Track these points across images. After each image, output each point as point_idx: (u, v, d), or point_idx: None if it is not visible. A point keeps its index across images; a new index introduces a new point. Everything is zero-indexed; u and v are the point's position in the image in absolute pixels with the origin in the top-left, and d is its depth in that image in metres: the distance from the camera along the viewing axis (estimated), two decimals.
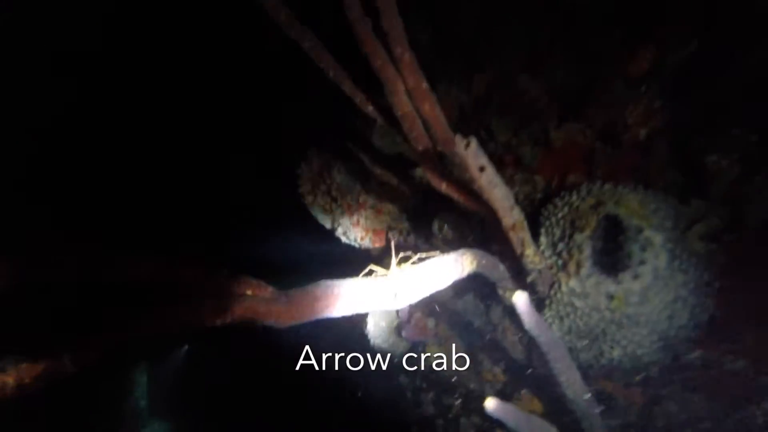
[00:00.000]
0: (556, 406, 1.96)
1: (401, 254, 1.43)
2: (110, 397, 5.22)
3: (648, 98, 1.59)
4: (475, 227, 2.03)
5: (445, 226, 2.12)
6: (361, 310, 1.30)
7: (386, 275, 1.35)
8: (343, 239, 2.80)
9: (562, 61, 1.77)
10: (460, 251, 1.48)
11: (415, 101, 1.39)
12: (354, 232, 2.63)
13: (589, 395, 1.48)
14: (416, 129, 1.42)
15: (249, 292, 1.20)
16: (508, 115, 1.99)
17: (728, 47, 1.47)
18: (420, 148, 1.45)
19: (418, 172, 2.35)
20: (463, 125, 2.23)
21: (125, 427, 5.31)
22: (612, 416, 1.79)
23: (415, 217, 2.59)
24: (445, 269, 1.41)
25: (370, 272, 1.41)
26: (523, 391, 2.07)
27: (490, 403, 1.24)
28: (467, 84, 2.13)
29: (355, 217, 2.56)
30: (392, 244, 1.47)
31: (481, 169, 1.11)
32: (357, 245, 2.75)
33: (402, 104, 1.39)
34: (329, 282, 1.27)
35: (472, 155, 1.05)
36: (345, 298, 1.25)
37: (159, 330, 1.05)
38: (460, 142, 1.02)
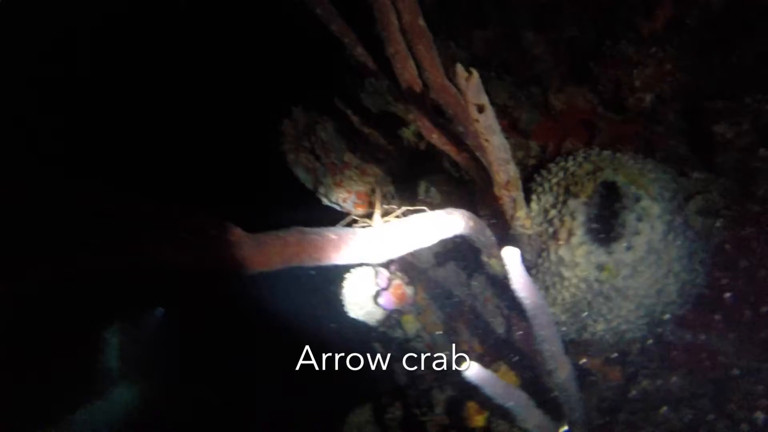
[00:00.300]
0: (532, 381, 1.92)
1: (385, 206, 1.32)
2: (80, 357, 5.11)
3: (658, 60, 1.49)
4: (463, 191, 1.94)
5: (432, 188, 2.02)
6: (336, 262, 1.20)
7: (369, 226, 1.25)
8: (324, 200, 2.68)
9: (571, 15, 1.65)
10: (448, 210, 1.37)
11: (409, 39, 1.26)
12: (336, 193, 2.51)
13: (569, 368, 1.42)
14: (408, 70, 1.30)
15: (213, 233, 1.08)
16: (507, 76, 1.87)
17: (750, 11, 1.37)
18: (411, 93, 1.33)
19: (406, 132, 2.24)
20: None
21: (94, 386, 5.22)
22: (589, 392, 1.74)
23: (400, 180, 2.48)
24: (431, 225, 1.31)
25: (351, 223, 1.30)
26: (501, 364, 2.01)
27: (472, 368, 1.16)
28: (467, 40, 2.00)
29: (338, 177, 2.44)
30: (377, 192, 1.35)
31: (480, 109, 0.99)
32: (339, 207, 2.63)
33: (394, 41, 1.26)
34: (304, 228, 1.16)
35: (472, 90, 0.94)
36: (319, 246, 1.14)
37: (105, 265, 0.93)
38: (461, 73, 0.90)
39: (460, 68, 0.92)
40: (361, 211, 2.61)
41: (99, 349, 5.28)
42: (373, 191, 2.51)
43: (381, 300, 2.48)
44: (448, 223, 1.42)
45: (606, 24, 1.64)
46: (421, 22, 1.25)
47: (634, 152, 1.61)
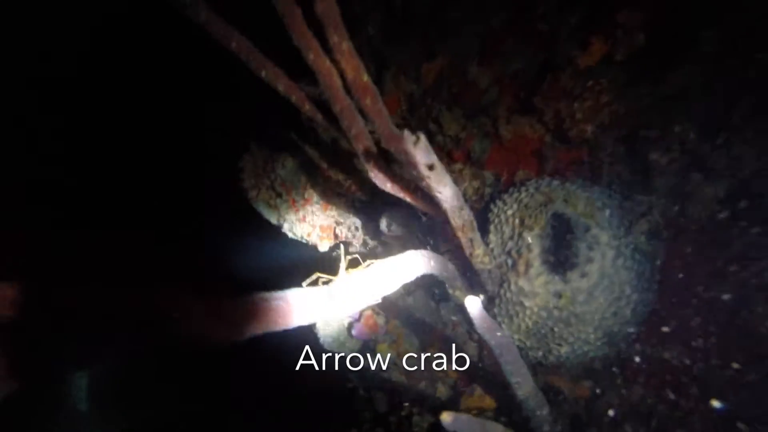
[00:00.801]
0: (507, 402, 1.96)
1: (349, 257, 1.34)
2: (45, 401, 4.85)
3: (596, 92, 1.57)
4: (424, 225, 1.98)
5: (393, 224, 2.05)
6: (303, 323, 1.21)
7: (332, 281, 1.26)
8: (290, 235, 2.68)
9: (514, 50, 1.72)
10: (409, 253, 1.41)
11: (355, 95, 1.28)
12: (300, 228, 2.52)
13: (539, 396, 1.47)
14: (356, 126, 1.32)
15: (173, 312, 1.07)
16: (457, 107, 1.93)
17: (676, 41, 1.47)
18: (361, 146, 1.35)
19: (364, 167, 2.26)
20: (411, 116, 2.15)
21: (61, 430, 4.97)
22: (560, 410, 1.80)
23: (362, 213, 2.51)
24: (394, 273, 1.34)
25: (316, 280, 1.32)
26: (476, 387, 2.06)
27: (447, 418, 1.19)
28: (417, 73, 2.05)
29: (300, 213, 2.44)
30: (341, 249, 1.37)
31: (430, 167, 1.03)
32: (304, 241, 2.63)
33: (339, 99, 1.28)
34: (265, 294, 1.16)
35: (421, 152, 0.97)
36: (284, 311, 1.14)
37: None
38: (408, 138, 0.94)
39: (407, 134, 0.95)
40: (326, 244, 2.62)
41: (65, 393, 5.04)
42: (337, 224, 2.53)
43: (354, 331, 2.50)
44: (410, 267, 1.45)
45: (546, 58, 1.72)
46: (366, 78, 1.28)
47: (581, 179, 1.69)
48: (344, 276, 1.32)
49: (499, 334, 1.28)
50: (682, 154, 1.51)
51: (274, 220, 2.69)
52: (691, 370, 1.68)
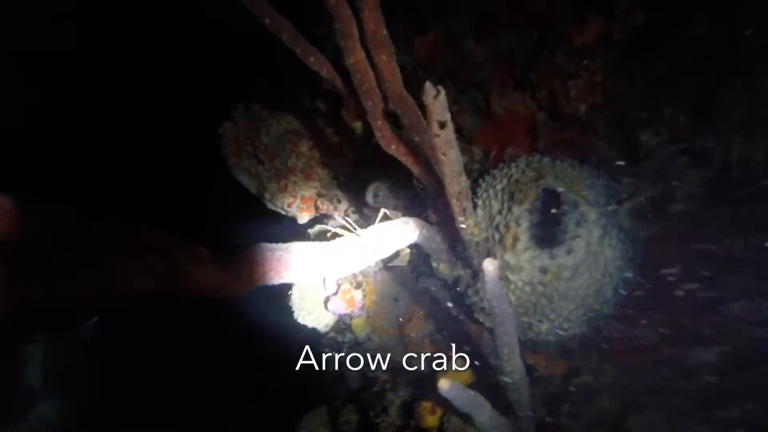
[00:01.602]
0: (483, 376, 1.98)
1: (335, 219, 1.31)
2: None
3: (590, 72, 1.58)
4: (410, 196, 1.95)
5: (380, 194, 2.02)
6: (304, 278, 1.18)
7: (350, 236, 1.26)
8: (269, 205, 2.61)
9: (509, 25, 1.70)
10: (404, 219, 1.39)
11: (371, 49, 1.25)
12: (281, 198, 2.45)
13: (523, 371, 1.48)
14: (369, 81, 1.28)
15: (179, 256, 1.00)
16: (450, 81, 1.90)
17: (671, 22, 1.48)
18: (370, 103, 1.32)
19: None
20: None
21: (12, 406, 4.75)
22: (534, 387, 1.83)
23: (346, 185, 2.46)
24: (392, 236, 1.33)
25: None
26: (453, 365, 2.06)
27: (444, 384, 1.20)
28: (410, 45, 2.01)
29: (282, 182, 2.38)
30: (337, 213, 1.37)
31: (442, 125, 1.01)
32: (284, 212, 2.57)
33: (355, 52, 1.24)
34: (268, 245, 1.11)
35: (439, 107, 0.95)
36: (287, 263, 1.10)
37: (68, 294, 0.84)
38: (429, 90, 0.91)
39: (428, 85, 0.93)
40: (306, 215, 2.57)
41: (18, 366, 4.82)
42: (319, 195, 2.48)
43: (330, 305, 2.46)
44: (406, 233, 1.44)
45: (541, 35, 1.70)
46: (385, 32, 1.24)
47: (571, 158, 1.70)
48: (362, 231, 1.32)
49: (504, 303, 1.28)
50: (670, 137, 1.54)
51: (254, 190, 2.61)
52: (662, 350, 1.73)
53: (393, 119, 1.40)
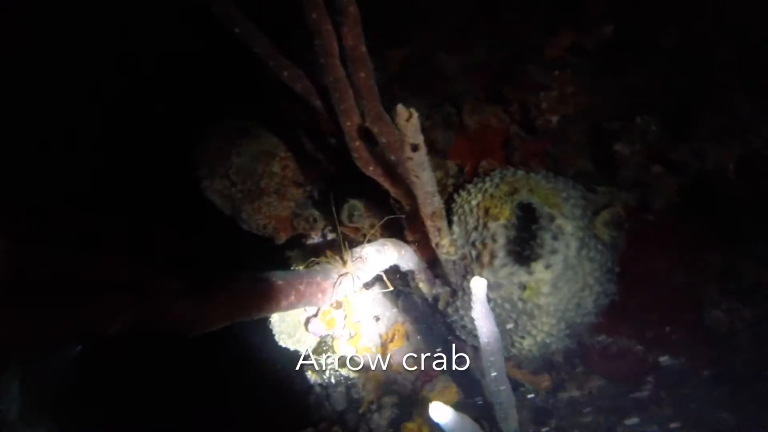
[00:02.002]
0: (469, 394, 1.94)
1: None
2: None
3: (562, 83, 1.57)
4: (385, 214, 1.91)
5: (355, 213, 1.97)
6: (285, 310, 1.13)
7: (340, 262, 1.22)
8: (245, 227, 2.54)
9: (482, 38, 1.68)
10: (383, 241, 1.36)
11: (350, 66, 1.21)
12: (256, 220, 2.39)
13: (509, 389, 1.45)
14: (347, 100, 1.25)
15: (154, 288, 0.92)
16: (422, 96, 1.88)
17: (640, 35, 1.48)
18: (348, 123, 1.28)
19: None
20: None
21: None
22: (522, 402, 1.79)
23: (321, 204, 2.42)
24: (375, 262, 1.30)
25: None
26: (437, 382, 2.02)
27: (435, 409, 1.16)
28: (381, 60, 1.98)
29: (256, 203, 2.32)
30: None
31: (415, 147, 0.98)
32: (260, 233, 2.51)
33: (334, 68, 1.20)
34: (245, 275, 1.05)
35: (411, 130, 0.92)
36: (268, 295, 1.04)
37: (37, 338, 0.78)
38: (402, 112, 0.88)
39: (401, 108, 0.90)
40: (283, 236, 2.51)
41: None
42: (294, 215, 2.42)
43: (311, 327, 2.40)
44: (388, 255, 1.41)
45: (514, 48, 1.69)
46: (364, 49, 1.21)
47: (545, 170, 1.68)
48: (352, 257, 1.29)
49: (491, 322, 1.24)
50: (644, 147, 1.53)
51: (228, 211, 2.55)
52: (648, 359, 1.71)
53: (368, 136, 1.37)
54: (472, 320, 1.66)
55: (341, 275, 1.21)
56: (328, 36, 1.16)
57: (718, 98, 1.41)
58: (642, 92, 1.53)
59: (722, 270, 1.60)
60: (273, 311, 1.07)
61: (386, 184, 1.39)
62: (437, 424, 1.33)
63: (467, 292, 1.62)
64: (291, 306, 1.08)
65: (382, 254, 1.33)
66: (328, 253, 1.29)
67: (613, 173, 1.59)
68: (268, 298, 1.01)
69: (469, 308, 1.62)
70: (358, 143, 1.33)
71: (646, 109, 1.53)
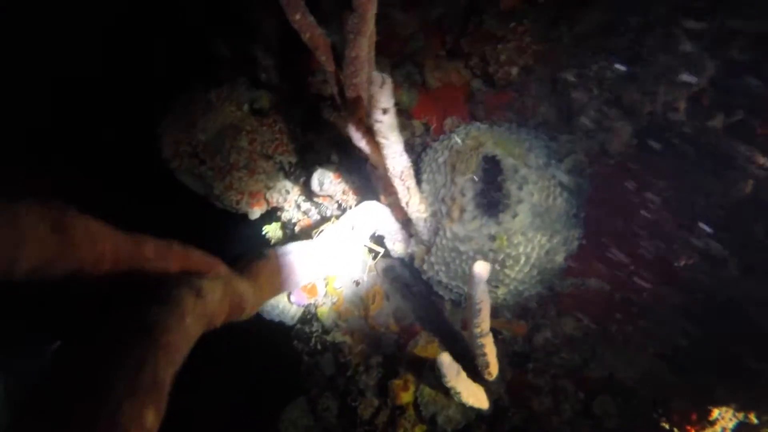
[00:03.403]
0: (450, 347, 2.01)
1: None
2: None
3: (519, 34, 1.57)
4: (353, 179, 1.93)
5: (325, 181, 1.98)
6: (312, 279, 1.17)
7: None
8: (218, 205, 2.53)
9: None
10: (365, 204, 1.40)
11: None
12: (228, 197, 2.38)
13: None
14: (361, 75, 1.25)
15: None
16: (382, 56, 1.86)
17: None
18: (354, 95, 1.30)
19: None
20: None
21: None
22: (500, 349, 1.87)
23: (293, 174, 2.41)
24: (369, 221, 1.34)
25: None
26: (420, 337, 2.09)
27: (445, 359, 1.27)
28: (338, 22, 1.94)
29: (227, 180, 2.30)
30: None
31: (385, 111, 1.00)
32: (233, 210, 2.50)
33: (363, 47, 1.20)
34: (272, 252, 1.06)
35: (384, 95, 0.94)
36: (298, 266, 1.06)
37: None
38: (377, 78, 0.90)
39: (376, 74, 0.91)
40: (257, 210, 2.50)
41: None
42: (267, 188, 2.41)
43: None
44: (376, 218, 1.45)
45: (470, 1, 1.68)
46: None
47: (509, 122, 1.71)
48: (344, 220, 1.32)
49: (485, 299, 1.29)
50: (600, 92, 1.56)
51: (200, 191, 2.52)
52: (613, 296, 1.80)
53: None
54: (448, 276, 1.72)
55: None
56: (370, 18, 1.15)
57: (662, 36, 1.44)
58: (595, 37, 1.55)
59: (679, 205, 1.66)
60: (299, 285, 1.11)
61: (373, 153, 1.41)
62: (444, 373, 1.39)
63: (439, 248, 1.66)
64: (315, 275, 1.12)
65: (371, 216, 1.37)
66: (333, 219, 1.33)
67: (573, 120, 1.62)
68: (295, 273, 1.04)
69: (442, 263, 1.67)
70: (355, 118, 1.34)
71: (600, 54, 1.56)
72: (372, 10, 1.14)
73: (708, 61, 1.40)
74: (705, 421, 1.57)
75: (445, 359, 1.34)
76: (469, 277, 1.29)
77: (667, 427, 1.60)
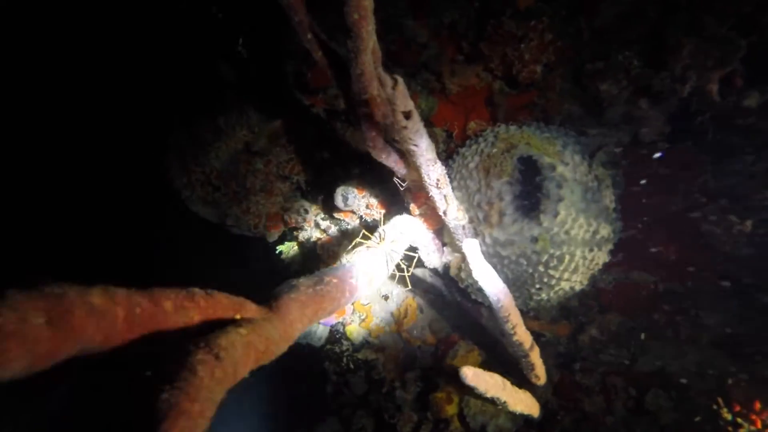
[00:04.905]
0: (492, 353, 1.97)
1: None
2: None
3: (540, 32, 1.55)
4: (385, 193, 1.89)
5: (349, 197, 1.94)
6: (346, 305, 1.11)
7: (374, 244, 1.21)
8: (234, 230, 2.48)
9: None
10: (397, 218, 1.36)
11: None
12: (246, 221, 2.33)
13: (532, 342, 1.46)
14: (371, 91, 1.20)
15: (237, 316, 0.83)
16: (397, 66, 1.83)
17: None
18: (367, 110, 1.25)
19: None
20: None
21: None
22: (545, 351, 1.83)
23: (309, 193, 2.37)
24: (403, 238, 1.29)
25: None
26: (460, 345, 2.04)
27: (467, 372, 1.16)
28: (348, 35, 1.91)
29: (244, 204, 2.25)
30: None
31: (407, 115, 0.94)
32: (251, 234, 2.45)
33: (367, 63, 1.15)
34: (304, 281, 1.00)
35: (399, 98, 0.88)
36: (331, 296, 1.01)
37: None
38: (387, 81, 0.84)
39: (384, 76, 0.86)
40: (275, 233, 2.45)
41: None
42: (284, 209, 2.37)
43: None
44: (411, 231, 1.40)
45: (483, 4, 1.66)
46: (375, 38, 1.16)
47: (536, 121, 1.68)
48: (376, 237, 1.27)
49: (494, 278, 1.25)
50: (629, 82, 1.54)
51: (214, 218, 2.47)
52: (657, 288, 1.76)
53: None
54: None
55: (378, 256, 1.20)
56: (367, 35, 1.10)
57: (686, 20, 1.42)
58: (615, 28, 1.53)
59: (715, 189, 1.64)
60: (335, 311, 1.05)
61: (397, 166, 1.36)
62: (471, 386, 1.34)
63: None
64: (348, 301, 1.05)
65: (405, 231, 1.32)
66: (364, 233, 1.28)
67: (601, 113, 1.60)
68: (330, 300, 0.98)
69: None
70: (374, 133, 1.29)
71: (623, 44, 1.54)
72: (367, 26, 1.09)
73: (738, 40, 1.38)
74: None
75: (467, 372, 1.27)
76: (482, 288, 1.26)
77: (729, 418, 1.56)
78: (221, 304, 0.76)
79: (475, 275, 1.24)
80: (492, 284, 1.27)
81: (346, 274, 1.08)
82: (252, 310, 0.81)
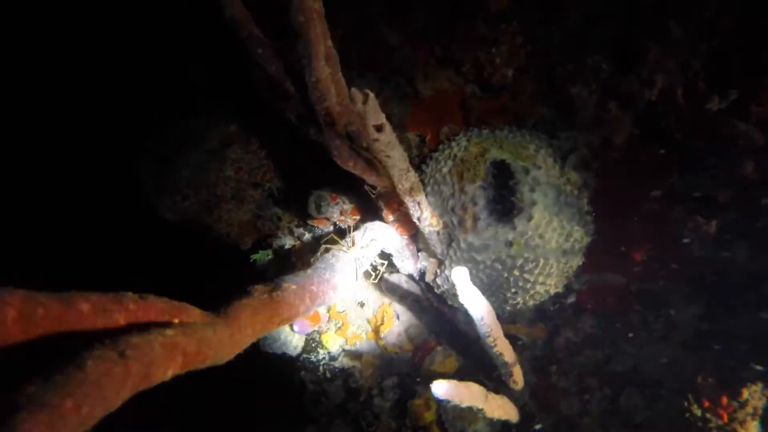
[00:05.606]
0: (470, 358, 1.96)
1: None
2: None
3: (511, 35, 1.56)
4: (359, 199, 1.86)
5: (322, 204, 1.91)
6: (307, 314, 1.06)
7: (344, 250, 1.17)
8: (207, 239, 2.41)
9: (420, 2, 1.63)
10: (369, 224, 1.33)
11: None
12: (217, 230, 2.26)
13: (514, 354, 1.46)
14: (329, 99, 1.17)
15: (175, 320, 0.80)
16: (369, 71, 1.81)
17: None
18: (329, 119, 1.22)
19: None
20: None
21: None
22: (522, 355, 1.83)
23: (282, 201, 2.32)
24: (379, 237, 1.27)
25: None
26: (437, 351, 2.02)
27: (440, 388, 1.14)
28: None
29: (215, 213, 2.19)
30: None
31: (379, 128, 0.92)
32: (223, 242, 2.38)
33: (321, 69, 1.12)
34: (260, 287, 0.96)
35: (371, 111, 0.86)
36: (289, 303, 0.96)
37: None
38: (357, 96, 0.82)
39: (355, 91, 0.83)
40: (248, 241, 2.40)
41: None
42: (258, 217, 2.32)
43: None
44: (383, 237, 1.38)
45: (455, 6, 1.66)
46: (330, 43, 1.14)
47: (508, 125, 1.68)
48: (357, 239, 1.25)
49: (482, 304, 1.23)
50: (598, 85, 1.56)
51: (184, 226, 2.40)
52: (630, 288, 1.79)
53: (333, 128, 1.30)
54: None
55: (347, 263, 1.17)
56: (316, 39, 1.08)
57: (652, 24, 1.45)
58: (584, 31, 1.55)
59: (682, 190, 1.67)
60: (293, 319, 1.00)
61: (365, 175, 1.34)
62: (443, 401, 1.32)
63: (454, 260, 1.61)
64: (308, 310, 1.01)
65: (377, 237, 1.29)
66: (334, 237, 1.25)
67: (572, 116, 1.61)
68: (287, 306, 0.94)
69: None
70: (339, 141, 1.26)
71: (593, 48, 1.55)
72: (315, 29, 1.07)
73: (699, 45, 1.41)
74: (736, 402, 1.56)
75: (439, 388, 1.25)
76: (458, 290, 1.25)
77: (699, 414, 1.59)
78: (155, 307, 0.72)
79: (462, 300, 1.23)
80: (478, 308, 1.26)
81: (306, 280, 1.04)
82: (194, 315, 0.77)
